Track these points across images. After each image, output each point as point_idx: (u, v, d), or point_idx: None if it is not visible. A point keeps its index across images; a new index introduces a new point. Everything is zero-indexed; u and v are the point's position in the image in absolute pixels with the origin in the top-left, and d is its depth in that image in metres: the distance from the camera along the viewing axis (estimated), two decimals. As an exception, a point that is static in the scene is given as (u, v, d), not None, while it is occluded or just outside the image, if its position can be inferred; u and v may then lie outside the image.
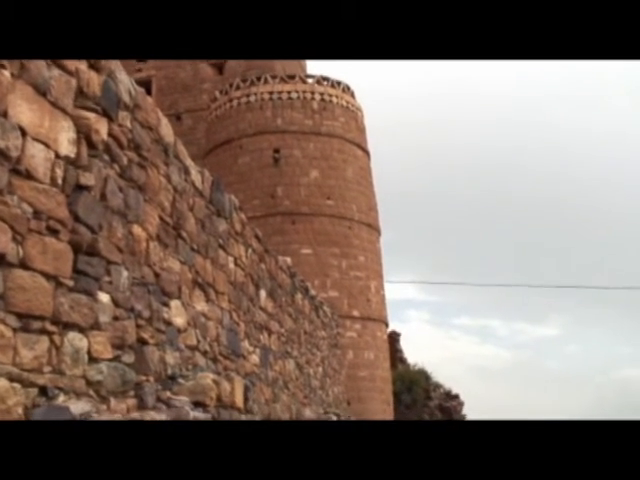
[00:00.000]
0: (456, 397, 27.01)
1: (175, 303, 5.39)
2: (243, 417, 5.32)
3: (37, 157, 3.55)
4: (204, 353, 6.05)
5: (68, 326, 3.75)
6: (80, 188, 3.95)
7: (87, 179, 4.01)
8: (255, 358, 8.09)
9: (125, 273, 4.48)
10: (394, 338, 26.27)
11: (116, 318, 4.31)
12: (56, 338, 3.63)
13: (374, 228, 20.80)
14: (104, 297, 4.17)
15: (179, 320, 5.43)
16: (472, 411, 26.00)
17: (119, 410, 4.02)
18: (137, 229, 4.73)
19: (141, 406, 4.21)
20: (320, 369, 12.91)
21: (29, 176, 3.48)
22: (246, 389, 5.50)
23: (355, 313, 18.83)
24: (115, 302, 4.30)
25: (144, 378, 4.49)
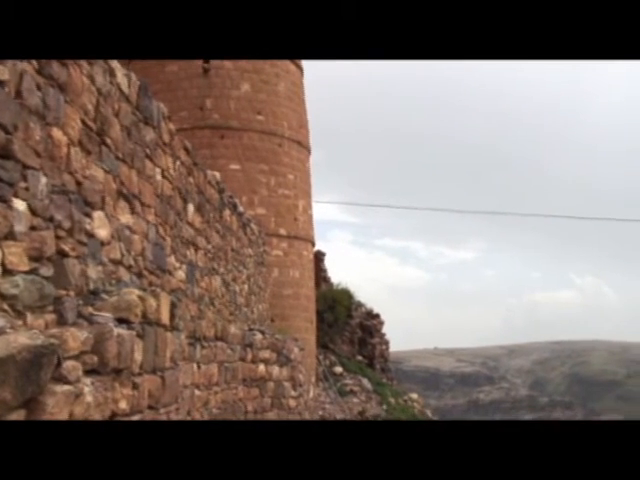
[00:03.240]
0: (377, 316, 27.77)
1: (98, 214, 5.07)
2: (169, 334, 5.16)
3: (-60, 43, 3.12)
4: (129, 268, 5.79)
5: (-21, 235, 3.42)
6: (-9, 82, 3.54)
7: (0, 73, 3.59)
8: (181, 274, 7.88)
9: (43, 180, 4.13)
10: (319, 258, 26.49)
11: (33, 228, 3.99)
12: (-35, 247, 3.31)
13: (304, 146, 20.48)
14: (20, 205, 3.83)
15: (102, 232, 5.13)
16: (391, 329, 26.92)
17: (36, 326, 3.76)
18: (57, 132, 4.34)
19: (61, 322, 3.96)
20: (246, 286, 12.84)
21: None
22: (173, 306, 5.31)
23: (282, 231, 18.73)
24: (32, 210, 3.97)
25: (64, 293, 4.22)
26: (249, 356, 9.83)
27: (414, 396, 27.39)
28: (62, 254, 4.34)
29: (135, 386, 4.44)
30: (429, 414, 26.71)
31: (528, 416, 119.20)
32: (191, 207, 8.40)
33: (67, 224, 4.43)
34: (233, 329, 9.21)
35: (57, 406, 3.26)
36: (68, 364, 3.46)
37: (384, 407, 22.67)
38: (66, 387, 3.38)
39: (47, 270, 4.11)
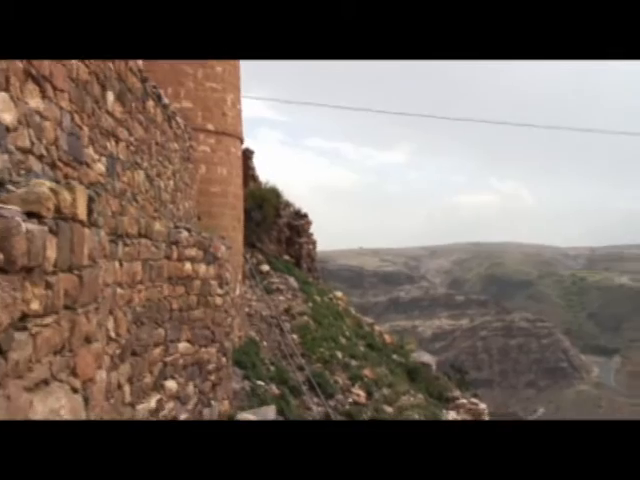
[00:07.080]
0: (305, 216, 27.73)
1: (2, 96, 4.52)
2: (87, 230, 4.78)
3: None
4: (40, 157, 5.29)
5: None
6: None
7: None
8: (101, 167, 7.37)
9: None
10: (247, 155, 25.91)
11: None
12: None
13: (233, 37, 19.47)
14: None
15: (7, 116, 4.59)
16: (319, 229, 27.09)
17: None
18: (-53, -4, 3.74)
19: (-41, 215, 3.53)
20: (171, 182, 12.34)
21: None
22: (90, 200, 4.90)
23: (209, 126, 18.01)
24: None
25: (-38, 182, 3.76)
26: (175, 254, 9.53)
27: (338, 294, 27.97)
28: (-42, 139, 3.84)
29: (49, 285, 4.10)
30: (352, 311, 27.41)
31: (444, 313, 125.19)
32: (111, 95, 7.77)
33: (-37, 105, 3.91)
34: (158, 226, 8.84)
35: (-44, 308, 2.93)
36: (-32, 262, 3.09)
37: (309, 305, 23.03)
38: (-34, 287, 3.03)
39: (-59, 157, 3.63)
